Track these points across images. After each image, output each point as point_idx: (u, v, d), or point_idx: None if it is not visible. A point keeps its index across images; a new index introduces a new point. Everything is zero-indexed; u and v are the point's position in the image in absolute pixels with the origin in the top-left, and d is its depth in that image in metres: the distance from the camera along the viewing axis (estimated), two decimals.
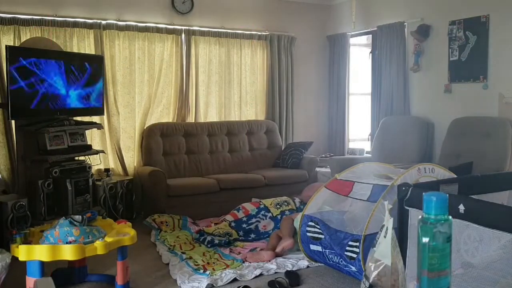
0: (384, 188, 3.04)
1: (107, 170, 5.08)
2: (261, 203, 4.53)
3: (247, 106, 6.24)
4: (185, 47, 5.69)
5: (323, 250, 3.26)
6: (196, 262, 3.60)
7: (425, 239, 0.91)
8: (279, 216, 4.36)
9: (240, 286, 3.13)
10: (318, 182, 5.00)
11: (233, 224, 4.35)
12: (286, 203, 4.52)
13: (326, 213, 3.41)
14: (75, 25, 5.01)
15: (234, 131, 5.91)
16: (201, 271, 3.42)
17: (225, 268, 3.47)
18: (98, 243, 2.80)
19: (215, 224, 4.49)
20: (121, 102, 5.34)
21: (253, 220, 4.37)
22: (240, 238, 4.24)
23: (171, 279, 3.36)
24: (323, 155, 6.37)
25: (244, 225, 4.33)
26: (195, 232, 4.31)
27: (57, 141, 4.33)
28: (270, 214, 4.41)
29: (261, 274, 3.40)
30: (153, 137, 5.36)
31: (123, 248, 3.01)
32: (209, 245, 4.01)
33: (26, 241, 2.83)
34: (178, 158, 5.47)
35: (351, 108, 6.67)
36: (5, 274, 2.69)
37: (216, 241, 4.05)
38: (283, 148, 6.15)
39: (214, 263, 3.61)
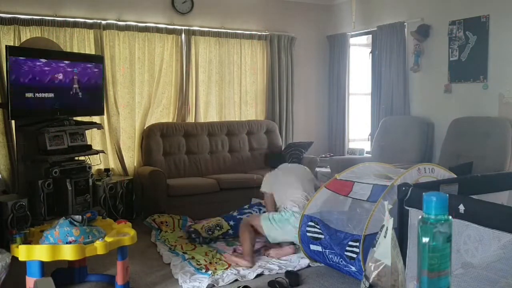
0: (384, 188, 3.04)
1: (107, 170, 5.08)
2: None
3: (247, 106, 6.24)
4: (185, 47, 5.69)
5: (323, 250, 3.26)
6: (199, 262, 3.60)
7: (425, 239, 0.91)
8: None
9: (240, 286, 3.13)
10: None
11: (224, 217, 4.40)
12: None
13: (326, 213, 3.41)
14: (75, 25, 5.01)
15: (234, 131, 5.91)
16: (203, 270, 3.43)
17: (227, 268, 3.47)
18: (98, 243, 2.80)
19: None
20: (121, 102, 5.34)
21: (246, 211, 4.45)
22: (230, 230, 4.24)
23: (172, 279, 3.36)
24: (323, 155, 6.37)
25: (235, 214, 4.42)
26: (185, 231, 4.35)
27: (57, 141, 4.33)
28: (264, 210, 4.36)
29: (261, 274, 3.40)
30: (153, 137, 5.36)
31: (123, 248, 3.02)
32: (202, 244, 4.05)
33: (26, 241, 2.83)
34: (178, 158, 5.47)
35: (351, 108, 6.67)
36: (5, 274, 2.69)
37: (207, 239, 4.11)
38: (283, 148, 6.15)
39: (216, 262, 3.62)
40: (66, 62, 4.48)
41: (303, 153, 5.85)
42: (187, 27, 5.69)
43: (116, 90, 5.30)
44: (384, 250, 1.08)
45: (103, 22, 5.17)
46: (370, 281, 1.08)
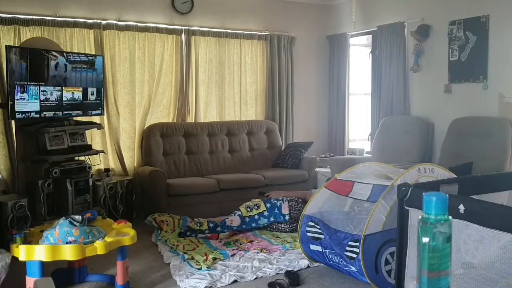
0: (384, 188, 3.04)
1: (107, 170, 5.08)
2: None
3: (247, 106, 6.24)
4: (185, 47, 5.69)
5: (323, 250, 3.26)
6: (198, 262, 3.60)
7: (425, 239, 0.91)
8: (247, 218, 4.50)
9: None
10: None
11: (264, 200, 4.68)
12: (256, 207, 4.62)
13: (326, 213, 3.41)
14: (75, 25, 5.01)
15: (234, 131, 5.91)
16: (205, 267, 3.47)
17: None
18: (98, 243, 2.80)
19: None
20: (121, 102, 5.34)
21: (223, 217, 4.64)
22: (207, 230, 4.40)
23: (171, 279, 3.36)
24: (323, 155, 6.37)
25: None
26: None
27: (57, 141, 4.33)
28: (239, 212, 4.54)
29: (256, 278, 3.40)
30: (153, 137, 5.36)
31: (123, 248, 3.02)
32: (193, 234, 4.31)
33: (26, 241, 2.83)
34: (178, 158, 5.47)
35: (351, 108, 6.67)
36: (5, 274, 2.69)
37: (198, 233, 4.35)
38: (283, 148, 6.15)
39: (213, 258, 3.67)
40: (66, 62, 4.48)
41: (303, 153, 5.85)
42: (187, 27, 5.69)
43: (116, 90, 5.30)
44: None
45: (103, 22, 5.17)
46: None
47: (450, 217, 0.92)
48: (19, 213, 3.97)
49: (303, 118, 6.67)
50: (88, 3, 5.12)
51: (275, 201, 4.61)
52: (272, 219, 4.52)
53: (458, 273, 2.04)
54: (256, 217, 4.51)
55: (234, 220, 4.51)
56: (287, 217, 4.49)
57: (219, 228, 4.43)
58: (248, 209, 4.57)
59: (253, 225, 4.50)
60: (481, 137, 4.54)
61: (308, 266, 3.54)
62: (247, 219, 4.50)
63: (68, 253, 2.73)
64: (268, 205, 4.58)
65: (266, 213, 4.53)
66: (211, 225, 4.44)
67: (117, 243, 2.93)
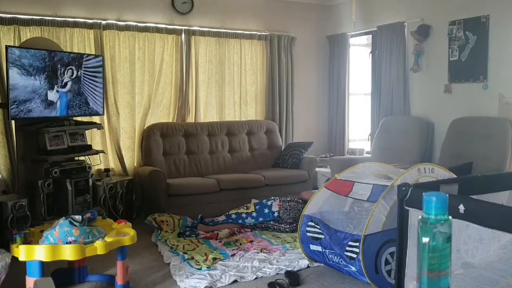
0: (384, 188, 3.04)
1: (107, 170, 5.08)
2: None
3: (247, 106, 6.24)
4: (185, 47, 5.69)
5: (323, 250, 3.26)
6: (198, 262, 3.60)
7: (425, 239, 0.91)
8: (233, 215, 4.63)
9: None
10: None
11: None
12: (245, 207, 4.71)
13: (326, 213, 3.42)
14: (75, 25, 5.01)
15: (234, 131, 5.91)
16: (205, 267, 3.47)
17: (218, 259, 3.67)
18: (98, 243, 2.80)
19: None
20: (121, 102, 5.34)
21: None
22: (196, 222, 4.56)
23: (171, 279, 3.36)
24: (323, 155, 6.37)
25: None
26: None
27: (57, 141, 4.33)
28: (227, 213, 4.71)
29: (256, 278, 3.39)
30: (153, 137, 5.36)
31: (123, 248, 3.01)
32: (193, 235, 4.34)
33: (26, 241, 2.83)
34: (178, 158, 5.47)
35: (351, 108, 6.67)
36: (5, 274, 2.68)
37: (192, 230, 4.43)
38: (283, 148, 6.15)
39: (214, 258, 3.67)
40: (66, 62, 4.48)
41: (303, 153, 5.85)
42: (187, 27, 5.69)
43: (116, 90, 5.30)
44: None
45: (103, 22, 5.17)
46: None
47: (450, 217, 0.92)
48: (19, 213, 3.97)
49: (303, 118, 6.67)
50: (88, 3, 5.12)
51: (266, 201, 4.64)
52: (260, 219, 4.56)
53: (458, 273, 2.04)
54: (244, 215, 4.60)
55: (220, 218, 4.69)
56: (275, 214, 4.52)
57: (205, 219, 4.61)
58: (237, 208, 4.70)
59: (239, 221, 4.59)
60: (481, 137, 4.54)
61: (308, 266, 3.54)
62: (233, 216, 4.61)
63: (68, 253, 2.73)
64: (257, 206, 4.63)
65: (254, 214, 4.59)
66: (199, 217, 4.64)
67: (117, 243, 2.93)
